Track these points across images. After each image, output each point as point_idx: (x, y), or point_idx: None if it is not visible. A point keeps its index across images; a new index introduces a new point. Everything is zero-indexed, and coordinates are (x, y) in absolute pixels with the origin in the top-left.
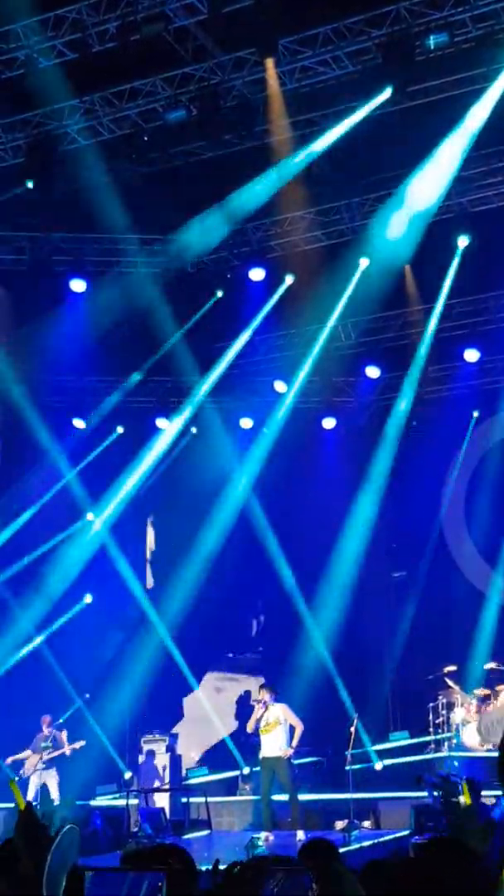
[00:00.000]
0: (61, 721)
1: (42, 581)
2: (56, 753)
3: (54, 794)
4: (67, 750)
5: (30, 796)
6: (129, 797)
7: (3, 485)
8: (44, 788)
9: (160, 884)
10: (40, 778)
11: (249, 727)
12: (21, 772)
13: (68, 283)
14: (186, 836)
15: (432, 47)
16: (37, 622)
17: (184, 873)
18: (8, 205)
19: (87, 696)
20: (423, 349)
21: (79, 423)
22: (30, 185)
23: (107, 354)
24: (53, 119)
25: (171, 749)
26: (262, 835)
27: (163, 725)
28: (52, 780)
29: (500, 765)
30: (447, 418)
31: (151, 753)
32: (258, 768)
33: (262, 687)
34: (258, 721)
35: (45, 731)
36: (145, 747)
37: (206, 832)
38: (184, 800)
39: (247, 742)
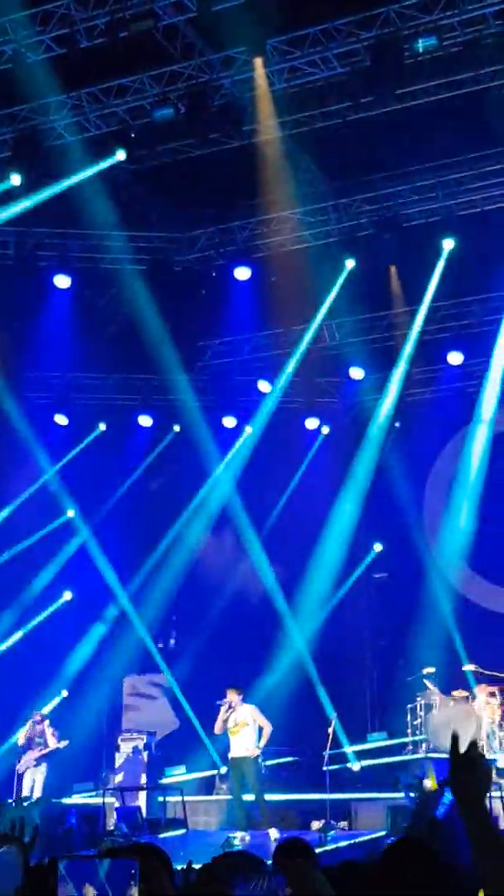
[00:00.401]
0: (39, 718)
1: (22, 577)
2: (45, 751)
3: (38, 791)
4: (53, 746)
5: (24, 793)
6: (106, 795)
7: None
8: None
9: (133, 871)
10: (33, 774)
11: (216, 728)
12: (17, 767)
13: (52, 279)
14: (162, 835)
15: (421, 50)
16: (16, 618)
17: (160, 870)
18: None
19: (65, 693)
20: (408, 351)
21: (61, 420)
22: (15, 179)
23: (90, 351)
24: (40, 114)
25: (148, 747)
26: (238, 834)
27: (140, 724)
28: (39, 776)
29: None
30: (430, 420)
31: (129, 751)
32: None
33: (228, 687)
34: (225, 722)
35: (38, 727)
36: (122, 745)
37: (182, 831)
38: (160, 799)
39: (224, 741)
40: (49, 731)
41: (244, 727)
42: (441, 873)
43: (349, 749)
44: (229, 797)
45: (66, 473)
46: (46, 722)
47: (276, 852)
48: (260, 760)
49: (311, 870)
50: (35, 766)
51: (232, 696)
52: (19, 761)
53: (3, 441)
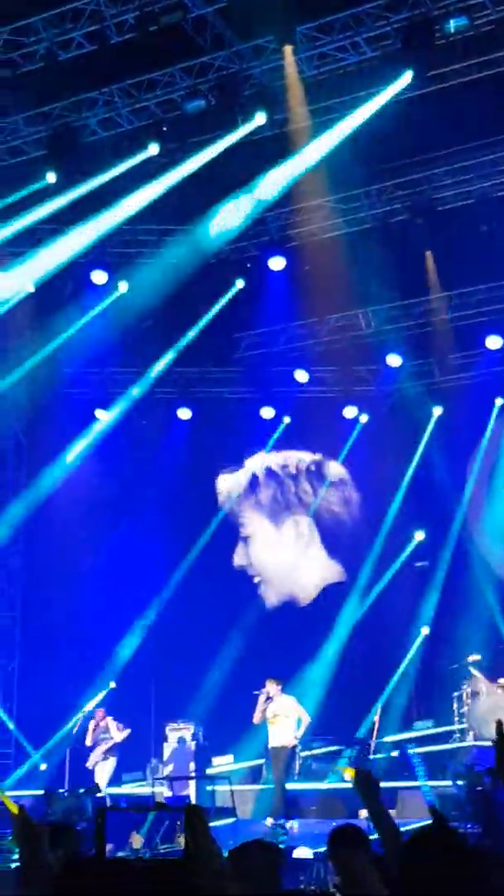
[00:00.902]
0: (89, 709)
1: (67, 570)
2: (109, 744)
3: (103, 783)
4: (118, 738)
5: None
6: (155, 785)
7: (28, 477)
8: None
9: (179, 822)
10: (103, 769)
11: (255, 718)
12: (87, 765)
13: (90, 275)
14: (212, 824)
15: (452, 31)
16: (63, 612)
17: (203, 824)
18: (30, 198)
19: (113, 685)
20: (445, 337)
21: (102, 415)
22: (51, 177)
23: (128, 346)
24: (73, 111)
25: (196, 737)
26: (288, 823)
27: (189, 713)
28: (107, 770)
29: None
30: (469, 406)
31: (177, 741)
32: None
33: (268, 678)
34: (264, 712)
35: (101, 723)
36: (170, 735)
37: (231, 820)
38: (209, 788)
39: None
40: (113, 725)
41: (283, 718)
42: (469, 860)
43: (395, 737)
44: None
45: (108, 467)
46: (109, 718)
47: (329, 841)
48: (298, 750)
49: (361, 859)
50: (103, 759)
51: (271, 687)
52: (87, 759)
53: (45, 436)
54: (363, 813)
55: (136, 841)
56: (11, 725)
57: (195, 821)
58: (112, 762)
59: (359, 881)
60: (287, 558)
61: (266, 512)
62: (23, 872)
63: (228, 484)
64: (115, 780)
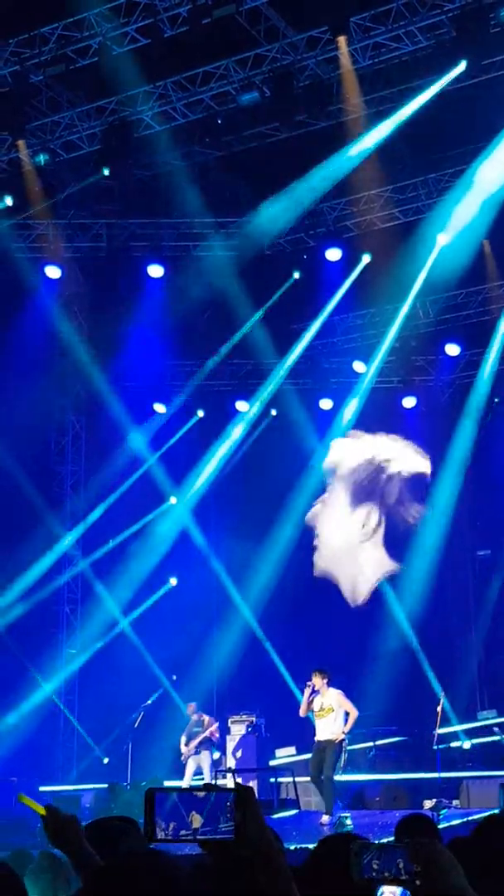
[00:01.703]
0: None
1: (127, 565)
2: (201, 737)
3: (206, 776)
4: (208, 732)
5: (185, 779)
6: (217, 777)
7: (87, 470)
8: (198, 772)
9: (228, 803)
10: (195, 763)
11: (301, 711)
12: (181, 758)
13: (146, 269)
14: (275, 816)
15: None
16: (122, 605)
17: (253, 801)
18: (85, 192)
19: (175, 677)
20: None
21: (159, 408)
22: (106, 172)
23: (185, 338)
24: (127, 106)
25: (258, 729)
26: (325, 818)
27: (250, 706)
28: (205, 762)
29: None
30: None
31: (239, 733)
32: (346, 747)
33: (315, 671)
34: (310, 705)
35: (194, 716)
36: (233, 728)
37: (294, 812)
38: (272, 780)
39: None
40: (206, 719)
41: (330, 712)
42: None
43: (459, 727)
44: (340, 777)
45: (167, 461)
46: (192, 707)
47: (403, 829)
48: (345, 745)
49: (440, 847)
50: (195, 753)
51: (317, 680)
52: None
53: (104, 431)
54: (427, 804)
55: (196, 820)
56: (74, 720)
57: (243, 801)
58: (206, 756)
59: (444, 870)
60: (347, 546)
61: (349, 489)
62: (75, 869)
63: (339, 453)
64: (177, 772)
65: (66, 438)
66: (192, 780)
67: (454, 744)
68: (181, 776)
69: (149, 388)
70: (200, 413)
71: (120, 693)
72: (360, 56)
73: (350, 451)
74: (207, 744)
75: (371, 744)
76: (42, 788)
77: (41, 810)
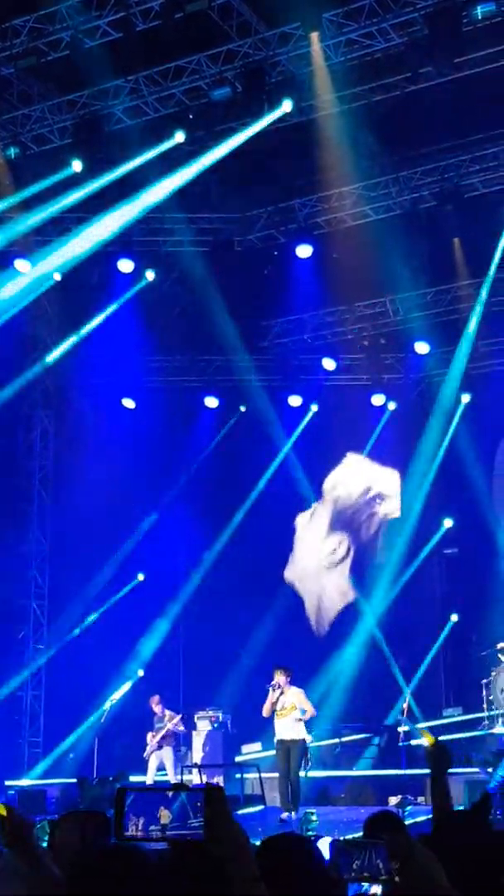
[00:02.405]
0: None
1: (95, 560)
2: (163, 732)
3: (170, 772)
4: (171, 726)
5: (148, 775)
6: (183, 773)
7: (55, 466)
8: (161, 768)
9: (198, 803)
10: (157, 759)
11: (265, 711)
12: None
13: (116, 264)
14: (241, 812)
15: (479, 17)
16: (90, 600)
17: (223, 801)
18: (56, 186)
19: (141, 672)
20: (473, 324)
21: (128, 403)
22: (76, 165)
23: (155, 334)
24: (99, 100)
25: (224, 725)
26: (284, 815)
27: (216, 701)
28: (167, 758)
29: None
30: (498, 393)
31: (205, 729)
32: (312, 744)
33: (276, 668)
34: (274, 704)
35: (157, 711)
36: (199, 723)
37: (260, 807)
38: (238, 775)
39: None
40: (168, 713)
41: (292, 710)
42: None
43: (425, 724)
44: (307, 774)
45: (134, 456)
46: (156, 699)
47: (371, 826)
48: (309, 743)
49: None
50: (157, 748)
51: (279, 678)
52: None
53: (71, 425)
54: (392, 800)
55: (164, 816)
56: (40, 714)
57: (213, 799)
58: (168, 751)
59: (418, 865)
60: (315, 568)
61: (333, 512)
62: (25, 871)
63: (344, 474)
64: (143, 767)
65: (35, 434)
66: (156, 776)
67: (420, 741)
68: (144, 772)
69: (118, 384)
70: (169, 408)
71: (86, 688)
72: (332, 52)
73: (353, 475)
74: (170, 739)
75: (337, 740)
76: (8, 783)
77: (2, 811)
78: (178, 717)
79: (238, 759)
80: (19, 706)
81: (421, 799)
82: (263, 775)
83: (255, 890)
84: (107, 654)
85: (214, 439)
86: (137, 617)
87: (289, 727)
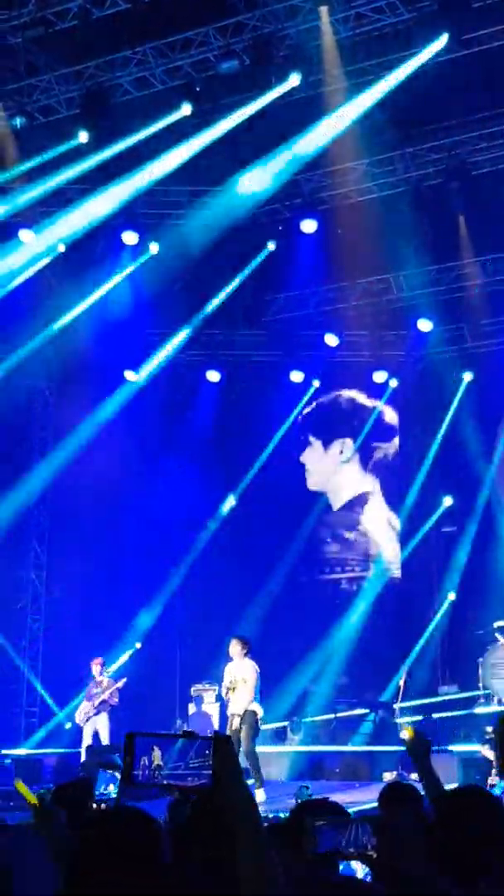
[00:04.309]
0: (112, 670)
1: (94, 531)
2: (103, 697)
3: (105, 740)
4: (106, 695)
5: (84, 744)
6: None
7: (56, 437)
8: (95, 736)
9: (207, 752)
10: (93, 725)
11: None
12: (76, 720)
13: (121, 236)
14: None
15: None
16: (89, 572)
17: (232, 755)
18: (61, 157)
19: (139, 645)
20: (476, 302)
21: (130, 376)
22: (83, 136)
23: (158, 307)
24: (106, 71)
25: (220, 698)
26: (308, 784)
27: (213, 675)
28: (102, 726)
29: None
30: (500, 372)
31: (201, 701)
32: (307, 719)
33: (233, 638)
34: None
35: (97, 676)
36: (195, 696)
37: (253, 781)
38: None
39: (299, 692)
40: (105, 679)
41: (243, 684)
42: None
43: (420, 701)
44: (302, 748)
45: (136, 429)
46: (98, 661)
47: (387, 796)
48: (258, 717)
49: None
50: (95, 714)
51: (234, 649)
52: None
53: (73, 396)
54: (387, 776)
55: (157, 757)
56: (38, 685)
57: (223, 749)
58: (104, 720)
59: (404, 847)
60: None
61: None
62: (54, 856)
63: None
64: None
65: (37, 404)
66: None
67: (415, 718)
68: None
69: (121, 357)
70: (171, 382)
71: (84, 659)
72: (341, 26)
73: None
74: (106, 706)
75: (332, 715)
76: (4, 751)
77: (33, 799)
78: (116, 685)
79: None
80: (17, 676)
81: (415, 776)
82: (258, 749)
83: (260, 845)
84: (105, 625)
85: (216, 413)
86: (136, 588)
87: (240, 700)
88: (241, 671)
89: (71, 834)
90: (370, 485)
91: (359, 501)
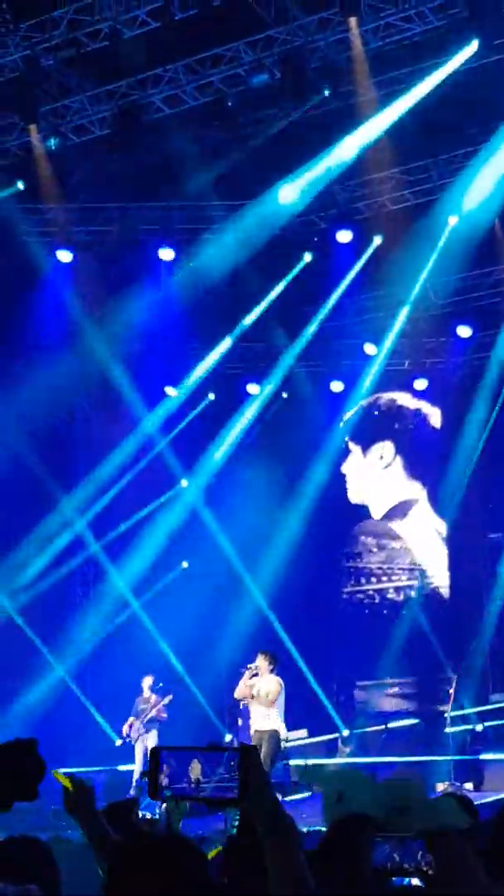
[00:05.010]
0: (160, 686)
1: (139, 547)
2: (151, 714)
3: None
4: (154, 711)
5: (137, 763)
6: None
7: (98, 454)
8: (145, 754)
9: (232, 763)
10: (144, 742)
11: (236, 693)
12: (128, 738)
13: (157, 252)
14: (288, 799)
15: None
16: (134, 588)
17: (256, 762)
18: (96, 176)
19: (183, 663)
20: None
21: (171, 391)
22: (115, 156)
23: (196, 321)
24: (138, 89)
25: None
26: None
27: None
28: (151, 743)
29: None
30: None
31: (247, 715)
32: (358, 730)
33: (260, 652)
34: (250, 689)
35: (145, 692)
36: (242, 709)
37: (307, 794)
38: (284, 762)
39: (346, 703)
40: (153, 696)
41: (267, 699)
42: None
43: (471, 710)
44: (353, 760)
45: (178, 444)
46: (148, 681)
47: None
48: (283, 737)
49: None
50: (145, 732)
51: (260, 663)
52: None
53: (115, 414)
54: (440, 787)
55: (195, 770)
56: (87, 702)
57: (248, 760)
58: (154, 736)
59: (461, 867)
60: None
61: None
62: (87, 839)
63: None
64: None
65: (78, 422)
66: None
67: (466, 726)
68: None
69: (160, 372)
70: (212, 396)
71: (132, 675)
72: (371, 37)
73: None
74: (155, 723)
75: (383, 726)
76: (54, 770)
77: (68, 784)
78: (162, 701)
79: (284, 745)
80: (66, 693)
81: (468, 785)
82: (310, 762)
83: (291, 858)
84: (151, 642)
85: (257, 426)
86: (182, 603)
87: (262, 716)
88: (264, 686)
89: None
90: (415, 491)
91: (402, 509)
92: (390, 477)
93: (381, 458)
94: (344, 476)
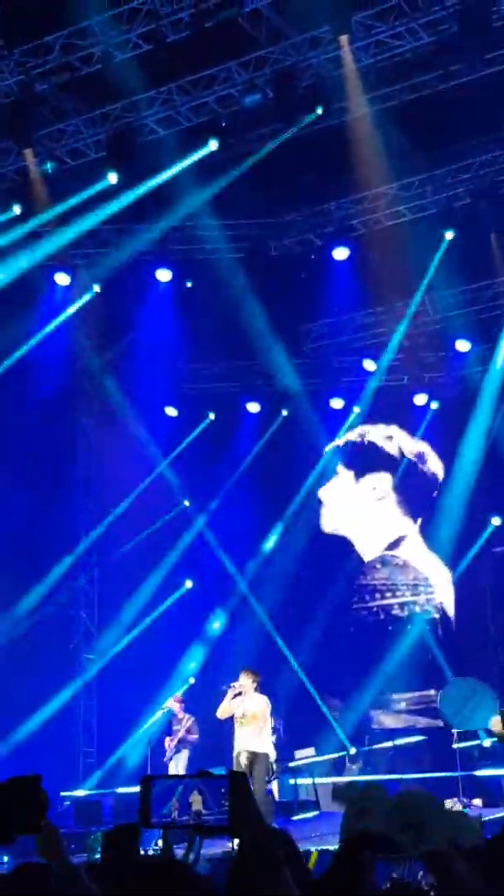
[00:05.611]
0: (164, 709)
1: (142, 568)
2: (179, 735)
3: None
4: (182, 732)
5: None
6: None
7: (99, 475)
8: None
9: (222, 790)
10: (176, 763)
11: (219, 713)
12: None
13: (154, 273)
14: (295, 818)
15: None
16: (139, 609)
17: (246, 789)
18: (92, 199)
19: (192, 681)
20: None
21: (170, 412)
22: (112, 178)
23: (194, 341)
24: (132, 111)
25: (276, 730)
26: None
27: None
28: (182, 764)
29: None
30: None
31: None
32: (365, 748)
33: (244, 670)
34: (234, 709)
35: (179, 713)
36: None
37: (314, 813)
38: (291, 781)
39: (352, 721)
40: (184, 716)
41: (254, 719)
42: None
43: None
44: (361, 777)
45: (179, 464)
46: (178, 700)
47: None
48: (271, 761)
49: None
50: (176, 753)
51: (244, 681)
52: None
53: (116, 436)
54: (448, 803)
55: (196, 802)
56: (94, 725)
57: (237, 786)
58: (184, 756)
59: (457, 879)
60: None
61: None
62: (62, 878)
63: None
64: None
65: (78, 443)
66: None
67: (474, 742)
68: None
69: (159, 392)
70: (211, 416)
71: (138, 696)
72: (362, 54)
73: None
74: (186, 743)
75: (390, 743)
76: (63, 793)
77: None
78: (192, 720)
79: (291, 764)
80: (73, 717)
81: (476, 801)
82: (317, 781)
83: (279, 875)
84: (157, 662)
85: (257, 444)
86: (186, 624)
87: (251, 737)
88: (251, 706)
89: (114, 880)
90: (407, 527)
91: (396, 544)
92: (383, 510)
93: (375, 489)
94: (320, 501)
